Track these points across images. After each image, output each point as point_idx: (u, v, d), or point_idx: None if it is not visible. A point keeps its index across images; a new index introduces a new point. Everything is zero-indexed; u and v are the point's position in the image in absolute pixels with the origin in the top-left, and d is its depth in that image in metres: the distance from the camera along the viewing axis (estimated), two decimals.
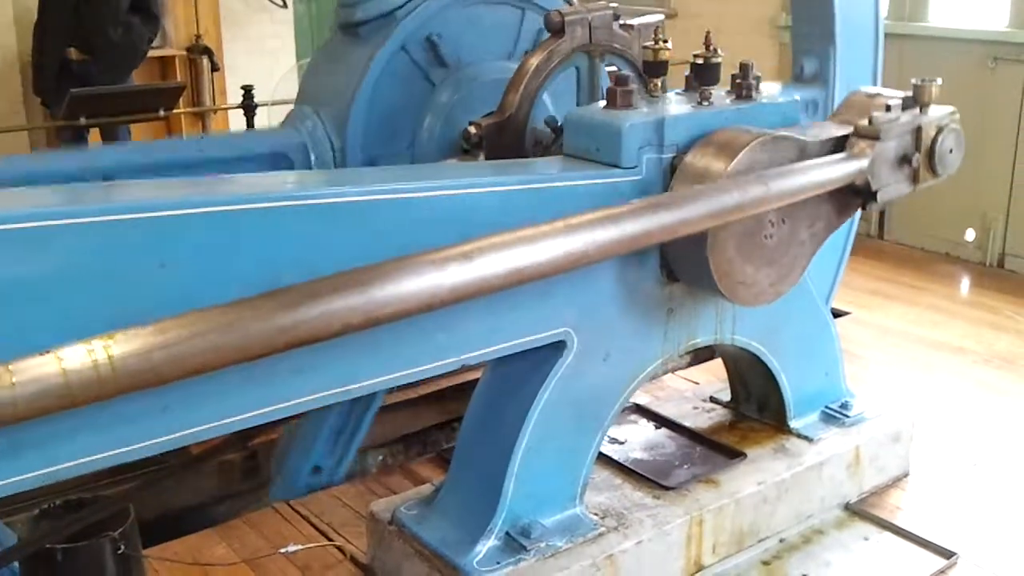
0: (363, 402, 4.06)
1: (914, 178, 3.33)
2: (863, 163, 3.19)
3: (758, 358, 3.73)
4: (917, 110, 3.33)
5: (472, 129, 3.64)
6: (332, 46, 4.22)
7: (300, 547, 3.60)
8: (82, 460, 2.29)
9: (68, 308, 2.19)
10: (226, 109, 8.01)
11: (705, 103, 3.29)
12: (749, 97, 3.38)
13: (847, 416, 3.93)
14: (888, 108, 3.26)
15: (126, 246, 2.26)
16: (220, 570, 3.48)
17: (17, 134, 7.67)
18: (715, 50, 3.36)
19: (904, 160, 3.29)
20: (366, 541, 3.49)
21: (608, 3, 3.89)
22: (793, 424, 3.87)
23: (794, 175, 3.06)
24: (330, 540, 3.66)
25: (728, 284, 3.14)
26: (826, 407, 3.96)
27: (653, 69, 3.35)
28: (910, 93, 3.37)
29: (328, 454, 4.16)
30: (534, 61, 3.67)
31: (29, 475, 2.26)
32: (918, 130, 3.31)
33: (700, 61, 3.37)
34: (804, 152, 3.20)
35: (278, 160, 3.85)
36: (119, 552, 3.08)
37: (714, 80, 3.37)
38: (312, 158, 3.88)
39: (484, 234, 2.80)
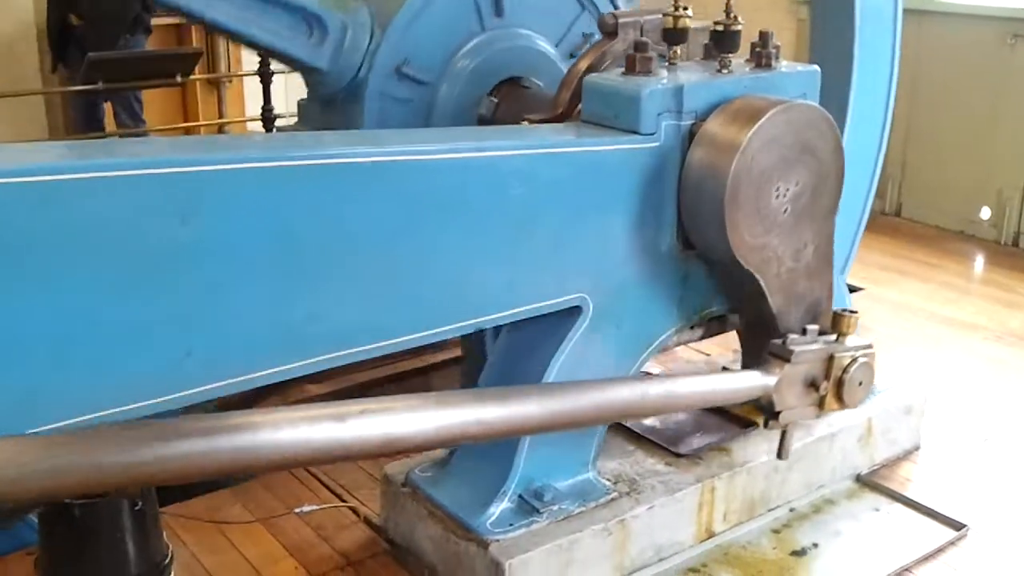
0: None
1: (820, 405, 3.23)
2: (770, 382, 3.11)
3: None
4: (834, 337, 3.24)
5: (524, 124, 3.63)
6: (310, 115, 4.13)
7: (315, 507, 3.64)
8: (105, 412, 2.31)
9: (90, 264, 2.22)
10: (242, 76, 8.01)
11: (724, 71, 3.28)
12: (768, 66, 3.37)
13: None
14: (805, 332, 3.20)
15: (148, 202, 2.28)
16: (236, 528, 3.53)
17: (34, 103, 7.71)
18: (735, 17, 3.35)
19: (812, 386, 3.19)
20: (380, 503, 3.52)
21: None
22: None
23: (699, 385, 3.07)
24: (344, 501, 3.70)
25: (745, 253, 3.14)
26: None
27: (673, 37, 3.33)
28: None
29: None
30: (586, 62, 3.62)
31: (52, 425, 2.27)
32: (830, 359, 3.20)
33: (720, 28, 3.36)
34: None
35: (312, 20, 3.70)
36: (136, 508, 3.11)
37: (733, 48, 3.36)
38: (346, 40, 3.73)
39: (508, 195, 2.84)
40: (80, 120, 7.41)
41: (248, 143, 2.88)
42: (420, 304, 2.78)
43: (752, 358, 3.54)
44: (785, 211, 3.19)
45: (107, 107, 7.40)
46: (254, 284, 2.47)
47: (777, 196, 3.15)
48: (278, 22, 3.64)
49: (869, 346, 3.30)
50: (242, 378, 2.53)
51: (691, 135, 3.15)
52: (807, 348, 3.17)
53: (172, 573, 3.23)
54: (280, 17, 3.64)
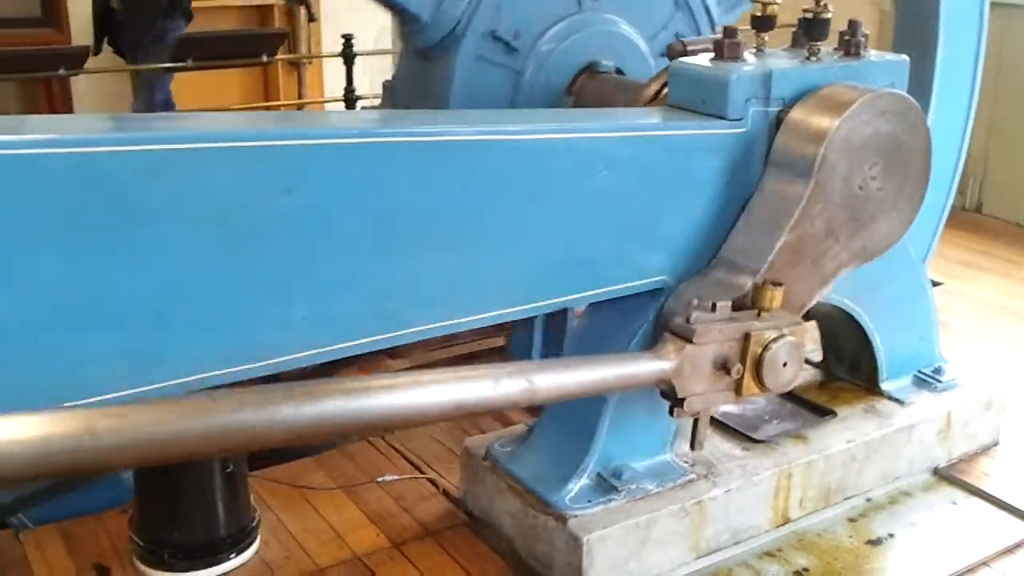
0: (559, 324, 4.27)
1: (737, 389, 2.89)
2: (665, 366, 2.75)
3: (852, 318, 3.73)
4: (755, 313, 2.91)
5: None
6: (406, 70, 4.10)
7: (395, 478, 3.72)
8: (208, 374, 2.40)
9: (199, 230, 2.31)
10: (324, 57, 8.12)
11: (813, 58, 3.28)
12: (857, 54, 3.36)
13: (939, 381, 3.92)
14: (713, 307, 2.82)
15: (257, 172, 2.36)
16: (319, 495, 3.62)
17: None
18: (825, 5, 3.35)
19: (724, 368, 2.84)
20: (459, 475, 3.60)
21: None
22: (884, 386, 3.87)
23: (588, 373, 2.66)
24: (422, 473, 3.78)
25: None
26: (919, 371, 3.95)
27: (761, 23, 3.34)
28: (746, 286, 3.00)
29: None
30: (655, 87, 3.62)
31: (155, 386, 2.37)
32: (746, 338, 2.84)
33: (809, 16, 3.36)
34: None
35: None
36: (227, 471, 3.24)
37: (822, 36, 3.35)
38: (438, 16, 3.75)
39: (594, 177, 2.89)
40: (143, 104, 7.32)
41: (350, 119, 2.96)
42: (506, 281, 2.84)
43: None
44: (870, 201, 3.18)
45: None
46: (352, 255, 2.55)
47: (862, 186, 3.15)
48: None
49: (797, 322, 2.97)
50: (338, 346, 2.61)
51: (778, 121, 3.16)
52: (713, 326, 2.81)
53: (259, 536, 3.36)
54: None
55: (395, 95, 4.12)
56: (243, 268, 2.40)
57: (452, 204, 2.70)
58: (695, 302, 2.86)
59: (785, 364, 2.90)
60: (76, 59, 5.79)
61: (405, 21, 3.84)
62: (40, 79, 6.69)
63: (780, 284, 2.94)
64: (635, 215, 3.04)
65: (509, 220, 2.81)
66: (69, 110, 7.31)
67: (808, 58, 3.29)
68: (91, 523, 3.48)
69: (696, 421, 2.99)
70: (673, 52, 3.46)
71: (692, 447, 3.08)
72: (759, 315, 2.91)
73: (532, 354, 4.42)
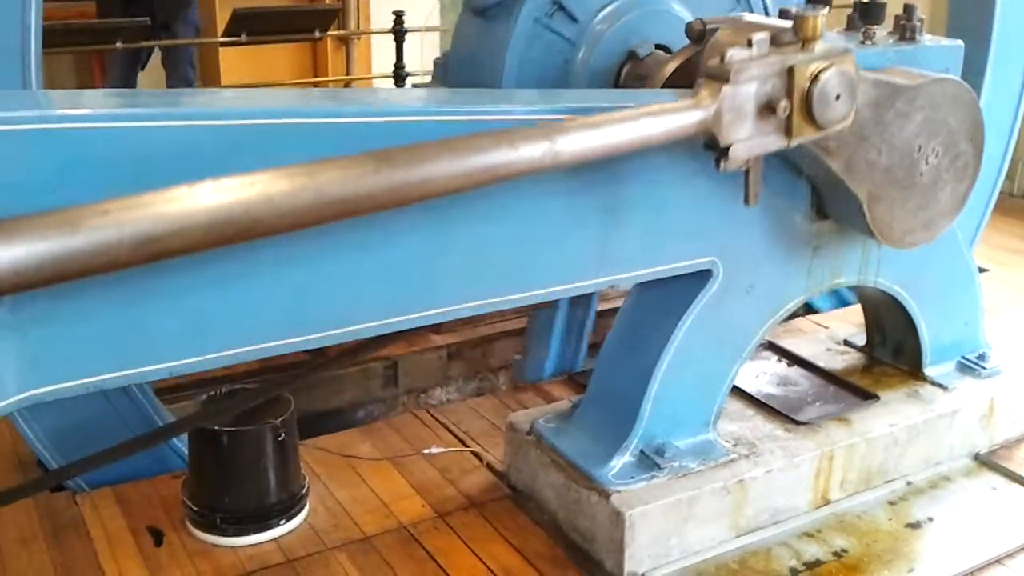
0: (583, 305, 4.43)
1: (787, 131, 2.65)
2: (701, 113, 2.51)
3: (898, 302, 3.74)
4: (799, 46, 2.64)
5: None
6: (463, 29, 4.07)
7: (441, 450, 3.79)
8: (268, 344, 2.47)
9: None
10: (375, 33, 8.16)
11: (868, 42, 3.28)
12: (912, 39, 3.35)
13: (984, 367, 3.92)
14: (750, 43, 2.57)
15: (322, 148, 2.40)
16: (366, 464, 3.71)
17: None
18: None
19: (769, 108, 2.60)
20: (503, 450, 3.66)
21: None
22: (928, 371, 3.88)
23: (616, 132, 2.43)
24: (467, 447, 3.84)
25: (881, 225, 3.15)
26: (963, 357, 3.95)
27: (816, 6, 3.34)
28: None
29: (564, 346, 4.53)
30: (672, 65, 3.57)
31: (208, 356, 2.43)
32: (790, 71, 2.60)
33: (865, 0, 3.36)
34: None
35: None
36: (279, 439, 3.32)
37: (878, 20, 3.35)
38: None
39: (646, 157, 2.90)
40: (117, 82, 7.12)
41: (411, 97, 3.01)
42: (559, 260, 2.87)
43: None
44: (923, 186, 3.18)
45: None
46: (412, 233, 2.59)
47: (917, 171, 3.16)
48: None
49: (846, 51, 2.70)
50: (391, 320, 2.66)
51: None
52: (751, 63, 2.54)
53: (308, 503, 3.44)
54: None
55: (448, 64, 4.14)
56: (310, 243, 2.45)
57: (504, 189, 2.72)
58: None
59: (838, 97, 2.67)
60: (135, 32, 5.88)
61: None
62: (94, 52, 6.78)
63: (827, 3, 2.76)
64: (686, 197, 3.07)
65: (561, 202, 2.84)
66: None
67: (863, 42, 3.28)
68: (144, 487, 3.58)
69: (747, 173, 2.73)
70: (693, 32, 3.44)
71: (746, 201, 2.79)
72: (803, 47, 2.64)
73: (553, 336, 4.48)
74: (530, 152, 2.26)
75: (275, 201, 1.94)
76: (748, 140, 2.60)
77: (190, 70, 7.08)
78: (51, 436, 3.46)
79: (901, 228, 3.23)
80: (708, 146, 2.64)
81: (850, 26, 3.40)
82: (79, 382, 2.28)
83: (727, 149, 2.58)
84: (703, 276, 3.20)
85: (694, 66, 3.20)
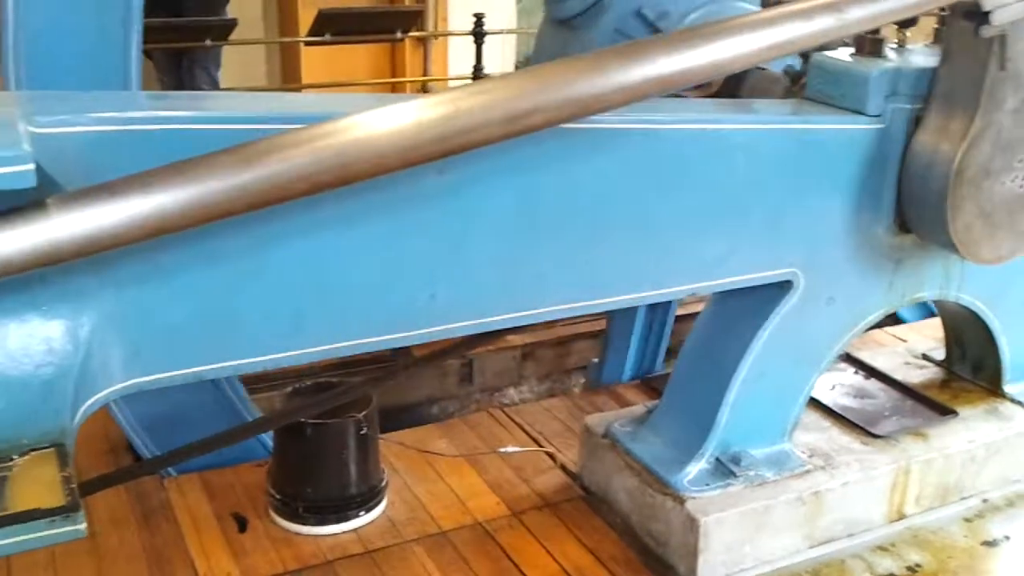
0: (662, 310, 4.51)
1: None
2: None
3: (979, 319, 3.71)
4: None
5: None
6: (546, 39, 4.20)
7: (516, 449, 3.85)
8: (359, 340, 2.55)
9: (356, 206, 2.43)
10: (455, 35, 8.24)
11: None
12: None
13: None
14: None
15: None
16: (442, 461, 3.78)
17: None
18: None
19: None
20: (577, 452, 3.71)
21: None
22: (1008, 389, 3.84)
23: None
24: (541, 447, 3.90)
25: (966, 240, 3.14)
26: None
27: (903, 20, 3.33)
28: None
29: (642, 350, 4.62)
30: None
31: (303, 351, 2.52)
32: None
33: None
34: None
35: None
36: (361, 433, 3.41)
37: None
38: None
39: (731, 167, 2.94)
40: (169, 82, 7.15)
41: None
42: (640, 267, 2.91)
43: None
44: (1008, 203, 3.16)
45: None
46: (495, 236, 2.66)
47: (1002, 187, 3.14)
48: None
49: None
50: (475, 322, 2.73)
51: (917, 119, 3.16)
52: None
53: (386, 495, 3.52)
54: None
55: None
56: (395, 244, 2.53)
57: (591, 191, 2.78)
58: None
59: None
60: (223, 30, 6.04)
61: None
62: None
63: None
64: (769, 206, 3.08)
65: (645, 207, 2.87)
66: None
67: None
68: (228, 474, 3.69)
69: (1002, 39, 2.81)
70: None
71: (1001, 67, 2.88)
72: None
73: (631, 340, 4.52)
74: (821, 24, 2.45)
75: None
76: (1010, 5, 2.69)
77: (214, 69, 7.12)
78: (142, 422, 3.59)
79: (989, 244, 3.21)
80: (965, 15, 2.77)
81: (937, 40, 3.35)
82: (180, 372, 2.39)
83: (987, 14, 2.69)
84: (783, 287, 3.21)
85: None
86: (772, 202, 3.09)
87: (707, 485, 3.21)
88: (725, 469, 3.25)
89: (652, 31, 3.83)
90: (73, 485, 1.94)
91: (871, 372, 4.04)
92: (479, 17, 6.44)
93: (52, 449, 2.06)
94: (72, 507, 1.89)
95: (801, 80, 3.39)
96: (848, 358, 4.12)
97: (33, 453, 2.05)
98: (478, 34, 6.44)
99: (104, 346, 2.19)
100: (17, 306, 2.05)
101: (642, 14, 3.81)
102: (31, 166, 1.76)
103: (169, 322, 2.30)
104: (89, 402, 2.21)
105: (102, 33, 3.18)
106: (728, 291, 3.18)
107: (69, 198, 1.84)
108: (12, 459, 2.03)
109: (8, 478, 2.00)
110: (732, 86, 3.61)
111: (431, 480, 3.67)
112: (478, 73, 6.48)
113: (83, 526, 1.88)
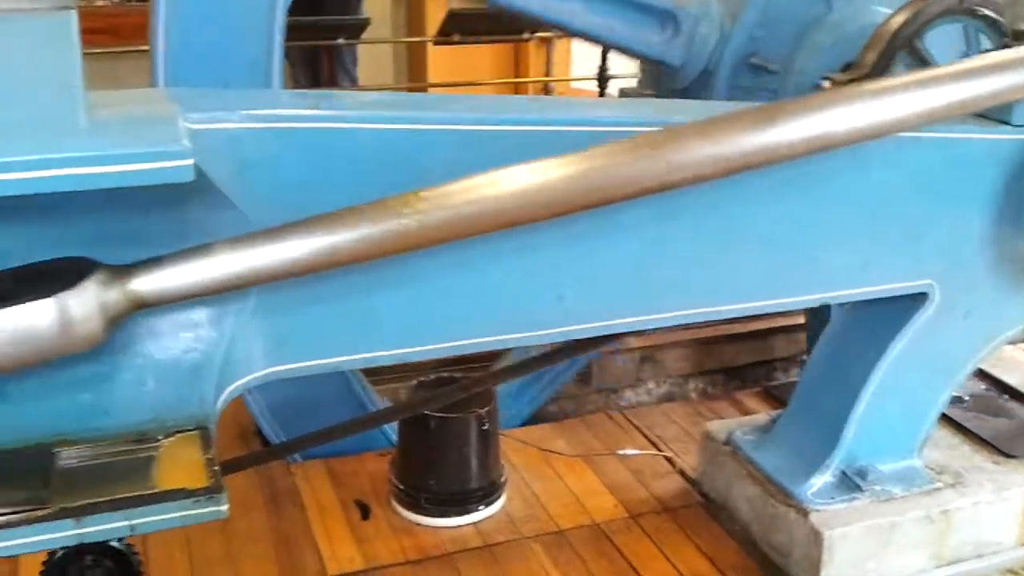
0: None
1: None
2: None
3: None
4: None
5: (826, 84, 3.59)
6: None
7: (634, 452, 3.85)
8: (487, 338, 2.58)
9: None
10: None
11: None
12: None
13: None
14: None
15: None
16: (560, 460, 3.80)
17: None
18: None
19: None
20: (696, 457, 3.68)
21: None
22: None
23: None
24: (660, 451, 3.88)
25: None
26: None
27: None
28: None
29: None
30: (898, 20, 3.52)
31: (434, 346, 2.56)
32: None
33: None
34: None
35: (665, 17, 3.75)
36: (483, 428, 3.45)
37: None
38: (697, 35, 3.77)
39: (871, 176, 2.89)
40: (305, 80, 7.12)
41: (625, 106, 3.08)
42: (775, 273, 2.87)
43: None
44: None
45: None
46: (623, 240, 2.66)
47: None
48: (628, 21, 3.70)
49: None
50: (604, 323, 2.73)
51: None
52: None
53: (505, 492, 3.56)
54: (630, 16, 3.70)
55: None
56: (525, 248, 2.55)
57: (724, 198, 2.76)
58: None
59: None
60: (356, 29, 6.17)
61: (654, 67, 3.88)
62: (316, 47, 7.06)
63: None
64: (906, 217, 3.01)
65: (782, 215, 2.84)
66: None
67: None
68: (352, 462, 3.78)
69: None
70: None
71: None
72: None
73: None
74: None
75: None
76: None
77: (352, 67, 7.20)
78: (272, 408, 3.71)
79: None
80: None
81: None
82: (317, 362, 2.46)
83: None
84: (918, 299, 3.12)
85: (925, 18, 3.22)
86: (911, 212, 3.01)
87: (832, 498, 3.16)
88: (851, 483, 3.19)
89: (767, 74, 3.78)
90: (216, 467, 2.02)
91: (1005, 389, 3.91)
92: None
93: (196, 432, 2.14)
94: (216, 488, 1.96)
95: None
96: (981, 374, 3.99)
97: (178, 435, 2.14)
98: None
99: (248, 334, 2.27)
100: None
101: (753, 63, 3.76)
102: (190, 161, 1.84)
103: (313, 316, 2.37)
104: (231, 388, 2.30)
105: (247, 32, 3.28)
106: (861, 302, 3.12)
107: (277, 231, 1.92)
108: (158, 440, 2.13)
109: (155, 458, 2.09)
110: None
111: (549, 478, 3.69)
112: (602, 73, 6.47)
113: (226, 507, 1.95)
